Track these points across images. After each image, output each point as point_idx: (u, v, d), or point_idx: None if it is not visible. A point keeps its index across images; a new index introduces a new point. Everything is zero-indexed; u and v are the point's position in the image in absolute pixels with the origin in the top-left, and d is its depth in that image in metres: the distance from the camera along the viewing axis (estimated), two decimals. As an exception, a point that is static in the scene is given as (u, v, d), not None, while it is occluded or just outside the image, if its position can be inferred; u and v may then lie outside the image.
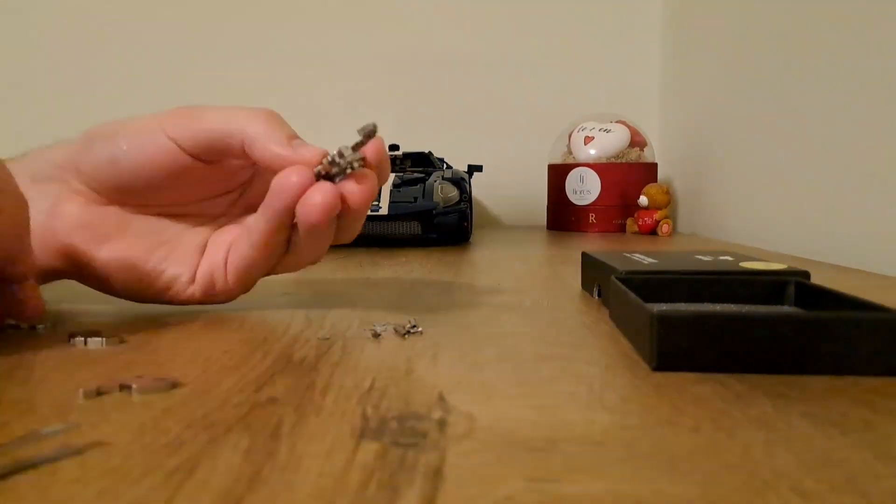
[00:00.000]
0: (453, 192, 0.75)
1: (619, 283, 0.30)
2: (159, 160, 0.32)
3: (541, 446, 0.17)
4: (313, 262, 0.34)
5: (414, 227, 0.73)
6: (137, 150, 0.32)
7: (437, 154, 1.07)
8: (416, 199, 0.74)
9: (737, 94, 0.86)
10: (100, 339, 0.27)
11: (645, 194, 0.89)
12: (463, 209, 0.74)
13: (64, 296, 0.39)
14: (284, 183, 0.29)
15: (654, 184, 0.92)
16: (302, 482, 0.15)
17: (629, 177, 0.94)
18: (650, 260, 0.38)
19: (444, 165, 0.94)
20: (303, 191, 0.29)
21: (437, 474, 0.15)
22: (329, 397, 0.20)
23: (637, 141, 0.98)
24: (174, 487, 0.14)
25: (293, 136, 0.32)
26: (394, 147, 0.94)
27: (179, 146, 0.32)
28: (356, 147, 0.30)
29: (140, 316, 0.33)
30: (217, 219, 0.36)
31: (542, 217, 1.07)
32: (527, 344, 0.27)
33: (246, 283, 0.34)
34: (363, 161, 0.30)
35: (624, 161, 0.96)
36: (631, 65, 1.16)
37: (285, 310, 0.35)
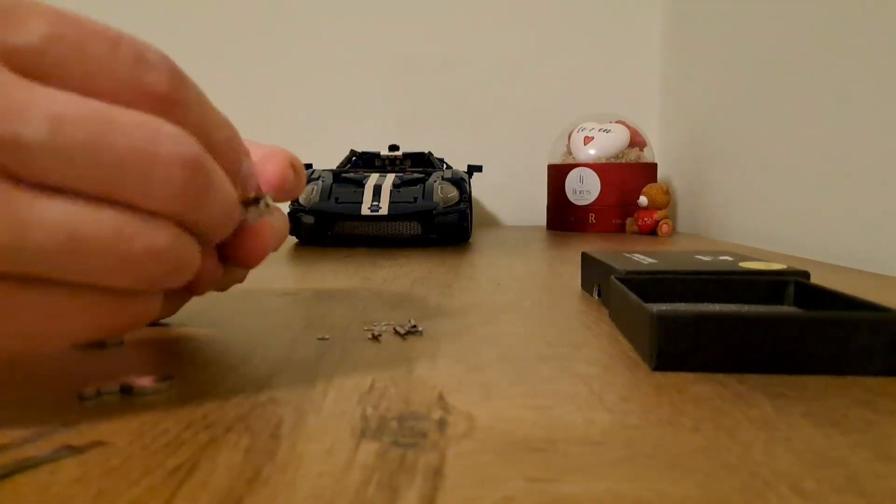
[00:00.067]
0: (453, 193, 0.75)
1: (619, 283, 0.30)
2: None
3: (540, 446, 0.17)
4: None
5: (414, 227, 0.73)
6: None
7: (437, 154, 1.07)
8: (416, 199, 0.74)
9: (736, 94, 0.86)
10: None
11: (645, 194, 0.89)
12: (463, 209, 0.74)
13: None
14: None
15: (654, 184, 0.92)
16: (302, 482, 0.15)
17: (629, 177, 0.95)
18: (650, 260, 0.38)
19: (444, 165, 0.94)
20: None
21: (437, 474, 0.15)
22: (329, 397, 0.20)
23: (637, 141, 0.98)
24: (174, 487, 0.14)
25: None
26: (394, 147, 0.94)
27: None
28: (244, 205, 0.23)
29: (140, 316, 0.33)
30: None
31: (542, 217, 1.07)
32: (527, 344, 0.27)
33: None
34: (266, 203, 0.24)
35: (624, 161, 0.96)
36: (631, 65, 1.16)
37: (285, 310, 0.35)
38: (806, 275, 0.33)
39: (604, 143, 0.96)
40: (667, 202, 0.90)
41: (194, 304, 0.36)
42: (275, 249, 0.26)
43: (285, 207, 0.76)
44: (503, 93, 1.16)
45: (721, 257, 0.38)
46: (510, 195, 1.16)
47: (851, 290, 0.28)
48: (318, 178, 0.78)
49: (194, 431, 0.18)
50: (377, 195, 0.74)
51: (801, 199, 0.70)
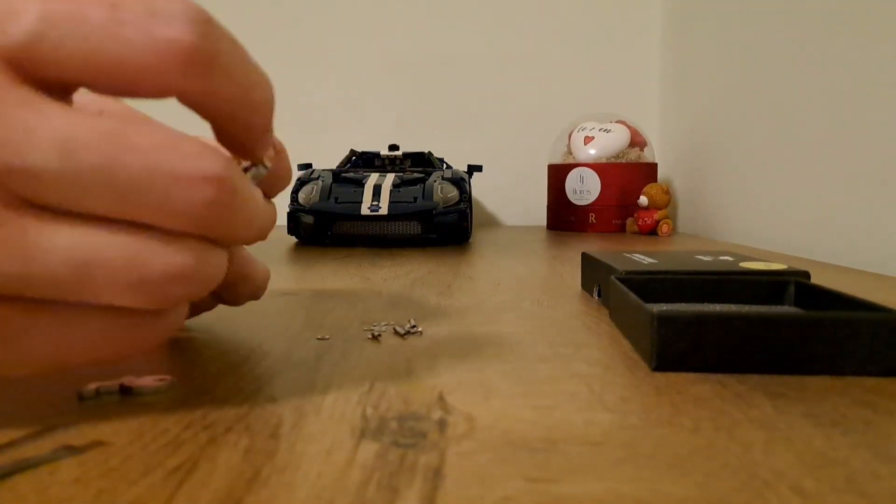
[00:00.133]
0: (453, 192, 0.75)
1: (619, 283, 0.30)
2: None
3: (540, 446, 0.17)
4: None
5: (414, 227, 0.73)
6: None
7: (437, 154, 1.07)
8: (415, 199, 0.74)
9: (737, 95, 0.86)
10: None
11: (645, 194, 0.89)
12: (463, 209, 0.74)
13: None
14: None
15: (654, 184, 0.92)
16: (302, 482, 0.14)
17: (629, 177, 0.94)
18: (650, 260, 0.38)
19: (444, 165, 0.94)
20: None
21: (436, 474, 0.15)
22: (329, 397, 0.20)
23: (637, 141, 0.98)
24: (174, 487, 0.14)
25: None
26: (394, 147, 0.94)
27: None
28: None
29: (140, 316, 0.33)
30: None
31: (542, 217, 1.07)
32: (526, 344, 0.27)
33: None
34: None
35: (624, 161, 0.96)
36: (631, 65, 1.16)
37: (285, 310, 0.35)
38: (806, 275, 0.33)
39: (604, 142, 0.96)
40: (667, 202, 0.90)
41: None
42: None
43: (285, 207, 0.76)
44: (503, 93, 1.16)
45: (721, 257, 0.38)
46: (510, 195, 1.16)
47: (852, 290, 0.28)
48: (317, 178, 0.78)
49: (194, 431, 0.18)
50: (377, 195, 0.74)
51: (801, 199, 0.70)
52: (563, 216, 0.98)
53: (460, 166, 1.03)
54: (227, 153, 0.18)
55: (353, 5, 1.16)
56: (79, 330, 0.17)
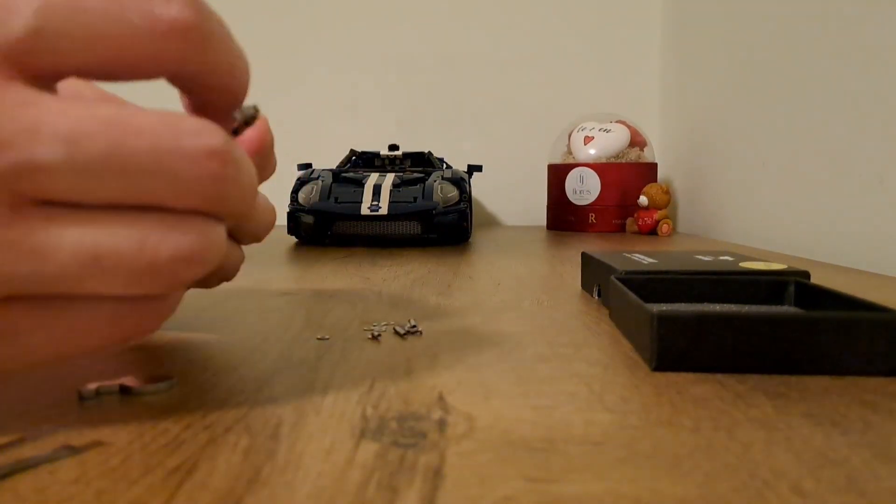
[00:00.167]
0: (453, 192, 0.75)
1: (619, 283, 0.30)
2: None
3: (540, 446, 0.17)
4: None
5: (414, 227, 0.73)
6: None
7: (437, 154, 1.07)
8: (415, 199, 0.74)
9: (736, 94, 0.86)
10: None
11: (645, 194, 0.89)
12: (463, 209, 0.74)
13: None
14: None
15: (654, 184, 0.92)
16: (302, 482, 0.15)
17: (629, 177, 0.94)
18: (650, 260, 0.38)
19: (444, 165, 0.94)
20: None
21: (436, 474, 0.15)
22: (329, 397, 0.20)
23: (637, 141, 0.98)
24: (173, 487, 0.14)
25: None
26: (394, 147, 0.94)
27: None
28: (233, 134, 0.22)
29: (140, 316, 0.33)
30: None
31: (542, 217, 1.07)
32: (527, 344, 0.27)
33: None
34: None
35: (624, 161, 0.96)
36: (631, 65, 1.16)
37: (285, 310, 0.35)
38: (806, 275, 0.33)
39: (604, 142, 0.96)
40: (667, 202, 0.90)
41: (194, 304, 0.36)
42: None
43: (285, 207, 0.76)
44: (503, 93, 1.16)
45: (721, 257, 0.38)
46: (510, 195, 1.16)
47: (851, 290, 0.28)
48: (317, 178, 0.78)
49: (194, 432, 0.18)
50: (377, 195, 0.74)
51: (801, 198, 0.70)
52: (563, 216, 0.98)
53: (460, 166, 1.03)
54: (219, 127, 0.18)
55: (353, 5, 1.16)
56: (83, 321, 0.17)
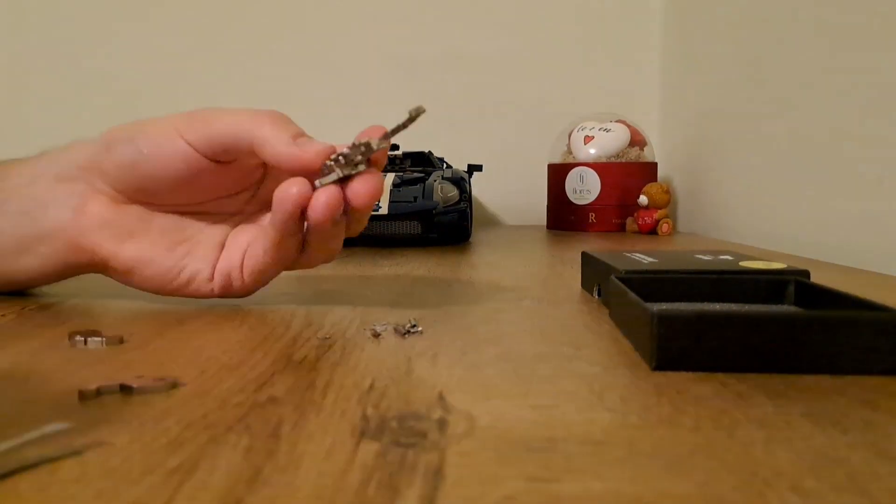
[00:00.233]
0: (453, 192, 0.75)
1: (619, 283, 0.30)
2: (177, 163, 0.33)
3: (541, 446, 0.17)
4: (327, 261, 0.36)
5: (414, 227, 0.73)
6: (156, 153, 0.33)
7: (437, 154, 1.07)
8: (416, 198, 0.74)
9: (737, 94, 0.86)
10: (100, 338, 0.27)
11: (645, 194, 0.89)
12: (463, 209, 0.74)
13: (70, 291, 0.39)
14: (284, 195, 0.31)
15: (654, 183, 0.92)
16: (302, 482, 0.15)
17: (629, 176, 0.94)
18: (650, 259, 0.38)
19: (444, 165, 0.94)
20: (303, 200, 0.31)
21: (437, 474, 0.15)
22: (329, 397, 0.20)
23: (637, 140, 0.98)
24: (174, 487, 0.14)
25: (299, 135, 0.33)
26: (394, 147, 0.94)
27: (195, 149, 0.33)
28: (397, 130, 0.32)
29: (140, 316, 0.33)
30: (234, 216, 0.37)
31: (542, 217, 1.07)
32: (527, 344, 0.27)
33: (261, 281, 0.36)
34: (369, 160, 0.32)
35: (624, 160, 0.96)
36: (631, 64, 1.16)
37: (285, 309, 0.35)
38: (806, 274, 0.33)
39: (604, 142, 0.96)
40: (667, 201, 0.90)
41: (194, 304, 0.36)
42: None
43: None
44: (503, 92, 1.16)
45: (721, 256, 0.38)
46: (510, 195, 1.16)
47: (852, 289, 0.28)
48: (318, 178, 0.78)
49: (194, 431, 0.18)
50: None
51: (801, 198, 0.70)
52: (563, 216, 0.98)
53: (460, 166, 1.03)
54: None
55: (353, 5, 1.16)
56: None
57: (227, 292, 0.36)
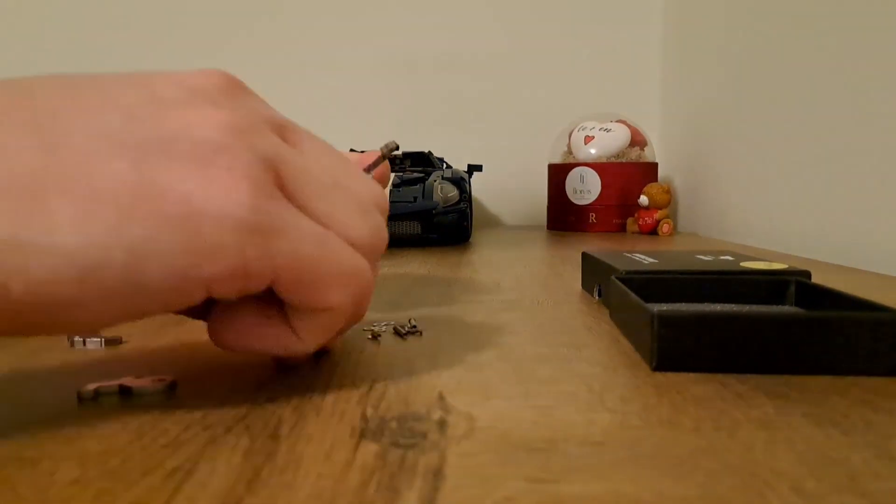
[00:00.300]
0: (453, 192, 0.75)
1: (620, 283, 0.30)
2: None
3: (541, 446, 0.17)
4: None
5: (414, 227, 0.73)
6: None
7: (436, 154, 1.07)
8: (415, 198, 0.74)
9: (737, 94, 0.86)
10: (99, 339, 0.27)
11: (645, 194, 0.89)
12: (463, 209, 0.74)
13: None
14: None
15: (655, 183, 0.92)
16: (301, 483, 0.14)
17: (629, 176, 0.94)
18: (651, 260, 0.38)
19: (444, 165, 0.94)
20: None
21: (437, 474, 0.15)
22: (329, 398, 0.20)
23: (637, 140, 0.98)
24: (173, 488, 0.14)
25: None
26: (394, 147, 0.94)
27: None
28: (373, 166, 0.29)
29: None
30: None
31: (542, 217, 1.07)
32: (527, 344, 0.27)
33: None
34: None
35: (624, 160, 0.96)
36: (631, 64, 1.16)
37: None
38: (807, 274, 0.33)
39: (604, 142, 0.96)
40: (667, 202, 0.90)
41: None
42: None
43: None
44: (503, 92, 1.16)
45: (722, 257, 0.38)
46: (510, 195, 1.16)
47: (853, 289, 0.28)
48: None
49: (194, 432, 0.18)
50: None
51: (802, 198, 0.70)
52: (564, 216, 0.98)
53: (460, 166, 1.03)
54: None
55: (353, 5, 1.16)
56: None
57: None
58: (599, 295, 0.38)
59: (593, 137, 0.96)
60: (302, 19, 1.16)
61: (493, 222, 1.17)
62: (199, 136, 0.18)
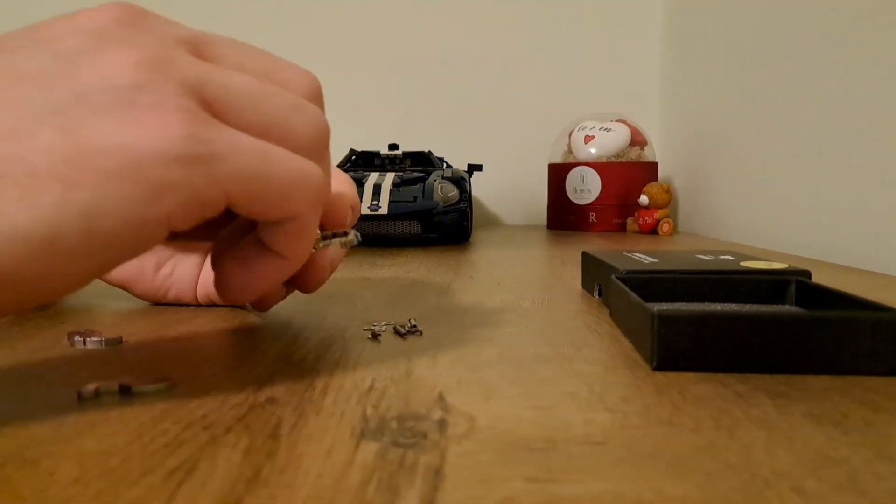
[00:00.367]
0: (453, 192, 0.75)
1: (620, 283, 0.30)
2: None
3: (541, 446, 0.17)
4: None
5: (414, 227, 0.73)
6: None
7: (436, 153, 1.07)
8: (415, 198, 0.74)
9: (737, 94, 0.86)
10: (99, 338, 0.27)
11: (645, 193, 0.89)
12: (463, 209, 0.74)
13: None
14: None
15: (655, 183, 0.92)
16: (301, 483, 0.14)
17: (630, 176, 0.94)
18: (651, 259, 0.38)
19: (444, 165, 0.94)
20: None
21: (437, 474, 0.15)
22: (329, 397, 0.20)
23: (637, 140, 0.98)
24: (173, 488, 0.14)
25: None
26: (394, 146, 0.94)
27: None
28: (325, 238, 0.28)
29: (139, 316, 0.33)
30: (219, 231, 0.36)
31: (542, 216, 1.07)
32: (527, 344, 0.27)
33: (242, 300, 0.35)
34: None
35: (624, 160, 0.96)
36: (631, 64, 1.16)
37: (285, 310, 0.35)
38: (807, 274, 0.33)
39: (604, 141, 0.96)
40: (668, 201, 0.90)
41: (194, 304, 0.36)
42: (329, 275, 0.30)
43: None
44: (503, 92, 1.16)
45: (722, 257, 0.38)
46: (510, 195, 1.16)
47: (853, 289, 0.28)
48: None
49: (193, 432, 0.17)
50: (377, 194, 0.74)
51: (802, 198, 0.70)
52: (564, 215, 0.98)
53: (460, 166, 1.03)
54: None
55: (353, 4, 1.16)
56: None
57: (213, 304, 0.36)
58: (599, 295, 0.38)
59: (593, 137, 0.96)
60: (302, 19, 1.16)
61: (493, 222, 1.17)
62: (115, 83, 0.18)
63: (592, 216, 0.95)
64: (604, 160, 0.95)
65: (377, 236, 0.73)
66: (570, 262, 0.56)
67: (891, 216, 0.55)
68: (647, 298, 0.27)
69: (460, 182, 0.78)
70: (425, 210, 0.72)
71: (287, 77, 0.22)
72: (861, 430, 0.18)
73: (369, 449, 0.16)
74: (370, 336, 0.28)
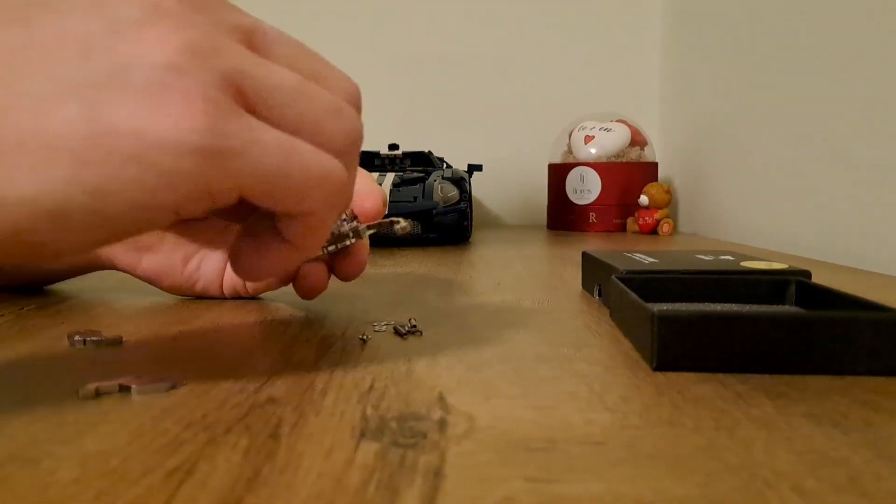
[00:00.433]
0: (453, 192, 0.75)
1: (620, 283, 0.30)
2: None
3: (541, 446, 0.17)
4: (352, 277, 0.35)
5: (414, 227, 0.73)
6: None
7: (436, 153, 1.07)
8: (415, 198, 0.74)
9: (737, 94, 0.86)
10: (98, 338, 0.27)
11: (645, 194, 0.89)
12: (463, 209, 0.74)
13: (68, 290, 0.39)
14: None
15: (655, 183, 0.92)
16: (301, 482, 0.14)
17: (630, 176, 0.94)
18: (651, 259, 0.38)
19: (444, 165, 0.94)
20: (289, 278, 0.33)
21: (437, 474, 0.15)
22: (329, 397, 0.20)
23: (637, 140, 0.98)
24: (173, 488, 0.14)
25: None
26: (394, 146, 0.94)
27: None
28: (337, 240, 0.31)
29: (139, 316, 0.33)
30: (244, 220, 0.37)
31: (542, 217, 1.07)
32: (527, 344, 0.27)
33: (266, 289, 0.37)
34: (359, 236, 0.32)
35: (624, 160, 0.96)
36: (631, 64, 1.16)
37: (285, 310, 0.35)
38: (807, 274, 0.33)
39: (604, 142, 0.96)
40: (668, 201, 0.90)
41: (194, 304, 0.36)
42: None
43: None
44: (503, 92, 1.16)
45: (722, 257, 0.38)
46: (510, 195, 1.16)
47: (853, 289, 0.28)
48: (318, 178, 0.78)
49: (194, 432, 0.17)
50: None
51: (802, 198, 0.70)
52: (564, 216, 0.98)
53: (460, 166, 1.03)
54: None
55: (353, 4, 1.16)
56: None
57: (239, 296, 0.37)
58: (599, 295, 0.38)
59: (593, 137, 0.96)
60: (302, 19, 1.16)
61: (493, 222, 1.17)
62: (153, 61, 0.18)
63: (592, 216, 0.95)
64: (604, 160, 0.95)
65: (377, 236, 0.73)
66: (570, 262, 0.56)
67: (891, 216, 0.55)
68: (647, 298, 0.27)
69: (460, 182, 0.78)
70: (425, 210, 0.72)
71: (331, 80, 0.23)
72: (861, 430, 0.18)
73: (369, 449, 0.16)
74: (370, 336, 0.28)
